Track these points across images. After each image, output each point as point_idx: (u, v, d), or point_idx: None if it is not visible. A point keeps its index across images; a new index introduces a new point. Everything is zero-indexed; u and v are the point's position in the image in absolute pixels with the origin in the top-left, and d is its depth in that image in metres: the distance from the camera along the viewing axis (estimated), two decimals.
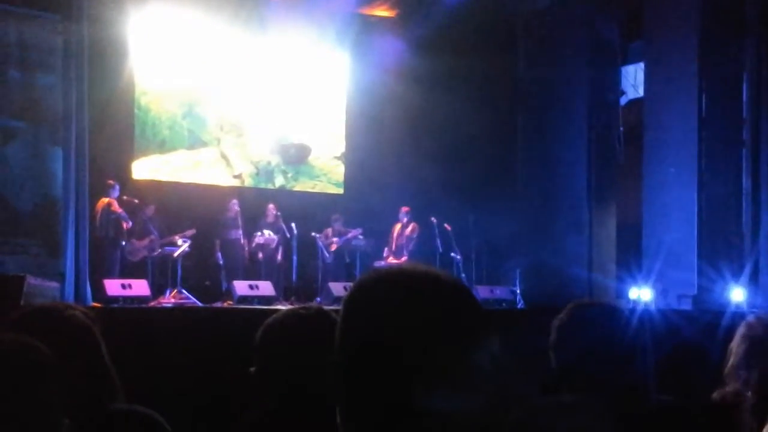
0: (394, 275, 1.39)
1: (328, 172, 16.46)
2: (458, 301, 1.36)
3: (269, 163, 15.88)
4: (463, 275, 14.11)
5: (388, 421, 1.30)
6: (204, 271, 14.05)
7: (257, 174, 15.80)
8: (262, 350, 2.40)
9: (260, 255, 14.08)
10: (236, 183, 15.51)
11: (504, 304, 13.56)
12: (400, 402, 1.29)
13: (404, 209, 14.67)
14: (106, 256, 12.66)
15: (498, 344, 1.37)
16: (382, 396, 1.31)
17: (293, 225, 14.11)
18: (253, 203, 14.64)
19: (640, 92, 15.17)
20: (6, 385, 1.98)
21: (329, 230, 14.68)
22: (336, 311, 1.46)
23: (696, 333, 7.42)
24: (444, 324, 1.32)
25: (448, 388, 1.29)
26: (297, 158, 16.15)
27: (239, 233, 13.92)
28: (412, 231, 14.65)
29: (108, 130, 13.34)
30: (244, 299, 12.21)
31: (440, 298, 1.35)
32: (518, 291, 14.08)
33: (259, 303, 12.00)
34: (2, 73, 11.43)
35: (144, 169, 14.69)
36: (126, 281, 11.83)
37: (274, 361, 2.36)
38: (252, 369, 2.42)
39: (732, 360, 3.06)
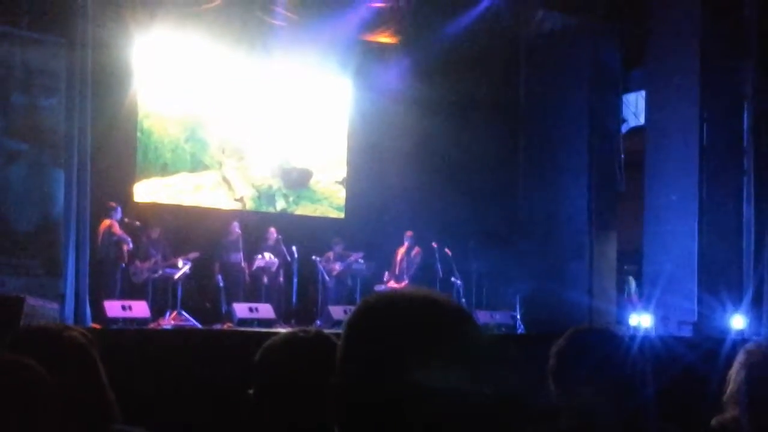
0: (396, 299, 1.40)
1: (329, 196, 16.47)
2: (459, 326, 1.37)
3: (270, 186, 15.90)
4: (464, 300, 14.10)
5: None
6: (204, 294, 14.03)
7: (259, 197, 15.81)
8: (260, 372, 2.40)
9: (264, 278, 14.06)
10: (238, 206, 15.51)
11: (504, 329, 13.54)
12: (398, 425, 1.29)
13: (408, 233, 14.69)
14: (106, 277, 12.65)
15: (499, 370, 1.37)
16: (381, 419, 1.31)
17: (294, 248, 14.11)
18: (255, 227, 14.64)
19: (641, 120, 15.23)
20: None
21: (330, 254, 14.68)
22: (335, 335, 1.46)
23: (697, 360, 7.41)
24: (444, 349, 1.32)
25: (446, 411, 1.29)
26: (298, 182, 16.17)
27: (240, 256, 13.92)
28: (416, 255, 14.66)
29: (110, 152, 13.35)
30: (244, 322, 12.18)
31: (441, 322, 1.35)
32: (518, 316, 14.07)
33: (259, 326, 11.97)
34: (6, 95, 11.47)
35: (145, 191, 14.70)
36: (126, 303, 11.81)
37: (272, 384, 2.36)
38: (250, 391, 2.41)
39: (731, 387, 3.06)
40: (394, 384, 1.30)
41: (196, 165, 15.20)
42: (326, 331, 2.46)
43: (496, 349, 1.39)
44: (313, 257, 14.41)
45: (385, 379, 1.31)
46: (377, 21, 15.56)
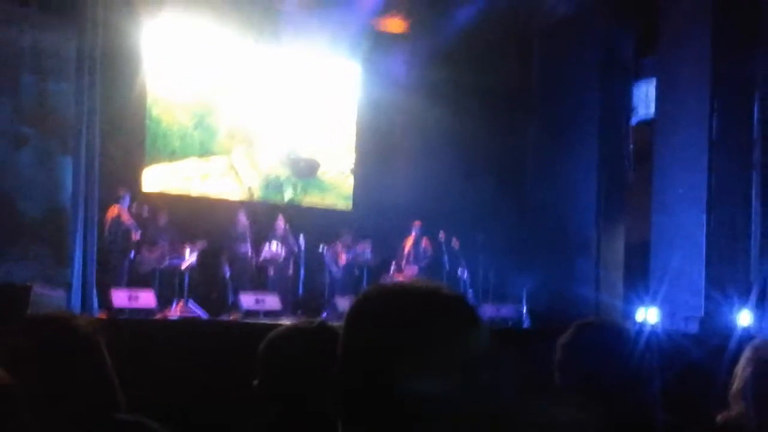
0: (397, 291, 1.39)
1: (337, 186, 16.47)
2: (460, 318, 1.36)
3: (278, 176, 15.90)
4: (471, 291, 14.09)
5: None
6: (211, 284, 14.03)
7: (267, 186, 15.81)
8: (264, 363, 2.40)
9: (269, 269, 14.07)
10: (245, 196, 15.52)
11: (510, 323, 13.54)
12: (395, 417, 1.29)
13: (416, 223, 14.68)
14: (114, 266, 12.67)
15: (498, 362, 1.37)
16: (379, 411, 1.30)
17: (301, 238, 14.11)
18: (262, 216, 14.64)
19: (652, 110, 15.16)
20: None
21: (338, 244, 14.67)
22: (340, 326, 1.45)
23: (703, 355, 7.40)
24: (444, 340, 1.32)
25: (444, 406, 1.29)
26: (306, 172, 16.16)
27: (247, 246, 13.91)
28: (426, 248, 14.65)
29: (119, 139, 13.38)
30: (251, 312, 12.21)
31: (441, 314, 1.35)
32: (525, 310, 14.04)
33: (265, 317, 11.99)
34: (15, 78, 11.47)
35: (154, 178, 14.70)
36: (133, 292, 11.84)
37: (276, 375, 2.36)
38: (255, 382, 2.42)
39: (737, 383, 3.05)
40: (391, 376, 1.30)
41: (205, 152, 15.21)
42: (332, 322, 2.46)
43: (497, 343, 1.39)
44: (320, 248, 14.40)
45: (382, 371, 1.31)
46: (387, 7, 15.52)
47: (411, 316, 1.33)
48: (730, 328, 11.14)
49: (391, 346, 1.31)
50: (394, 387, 1.30)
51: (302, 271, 14.33)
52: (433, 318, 1.34)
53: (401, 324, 1.33)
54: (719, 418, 3.03)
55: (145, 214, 13.18)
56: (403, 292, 1.39)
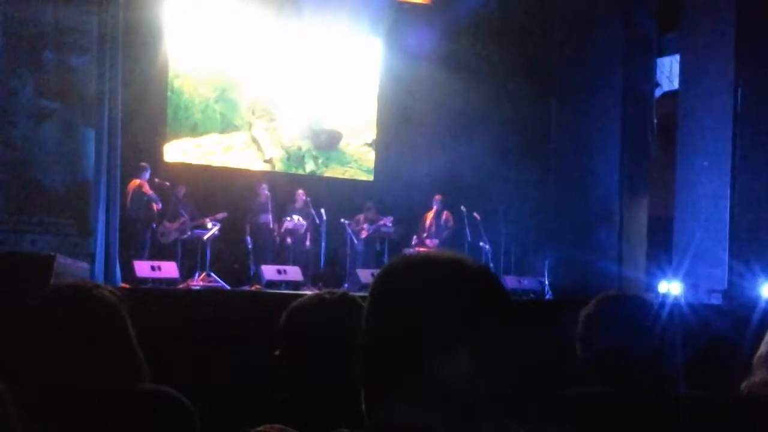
0: (421, 261, 1.40)
1: (358, 158, 16.45)
2: (483, 288, 1.36)
3: (300, 148, 15.89)
4: (492, 265, 14.05)
5: (409, 403, 1.30)
6: (233, 255, 14.10)
7: (288, 159, 15.82)
8: (286, 333, 2.40)
9: (289, 240, 14.11)
10: (267, 168, 15.54)
11: (532, 295, 13.52)
12: (421, 385, 1.29)
13: (437, 197, 14.67)
14: (136, 237, 12.76)
15: (525, 332, 1.37)
16: (404, 380, 1.30)
17: (322, 211, 14.13)
18: (284, 188, 14.66)
19: (675, 84, 15.02)
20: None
21: (361, 216, 14.68)
22: (362, 297, 1.46)
23: (727, 328, 7.35)
24: (466, 310, 1.31)
25: (468, 373, 1.29)
26: (328, 144, 16.15)
27: (269, 218, 13.95)
28: (447, 220, 14.65)
29: (141, 112, 13.41)
30: (272, 284, 12.24)
31: (465, 284, 1.34)
32: (546, 282, 14.02)
33: (287, 288, 12.02)
34: (37, 53, 11.48)
35: (176, 152, 14.75)
36: (155, 263, 11.91)
37: (298, 345, 2.36)
38: (277, 352, 2.42)
39: (762, 349, 3.02)
40: (417, 345, 1.30)
41: (226, 125, 15.22)
42: (353, 293, 2.45)
43: (521, 311, 1.38)
44: (342, 220, 14.41)
45: (407, 340, 1.30)
46: None
47: (436, 285, 1.33)
48: (753, 301, 11.07)
49: (416, 316, 1.31)
50: (419, 357, 1.29)
51: (323, 243, 14.34)
52: (459, 288, 1.33)
53: (427, 294, 1.33)
54: (743, 385, 3.01)
55: (166, 186, 13.23)
56: (428, 262, 1.39)
